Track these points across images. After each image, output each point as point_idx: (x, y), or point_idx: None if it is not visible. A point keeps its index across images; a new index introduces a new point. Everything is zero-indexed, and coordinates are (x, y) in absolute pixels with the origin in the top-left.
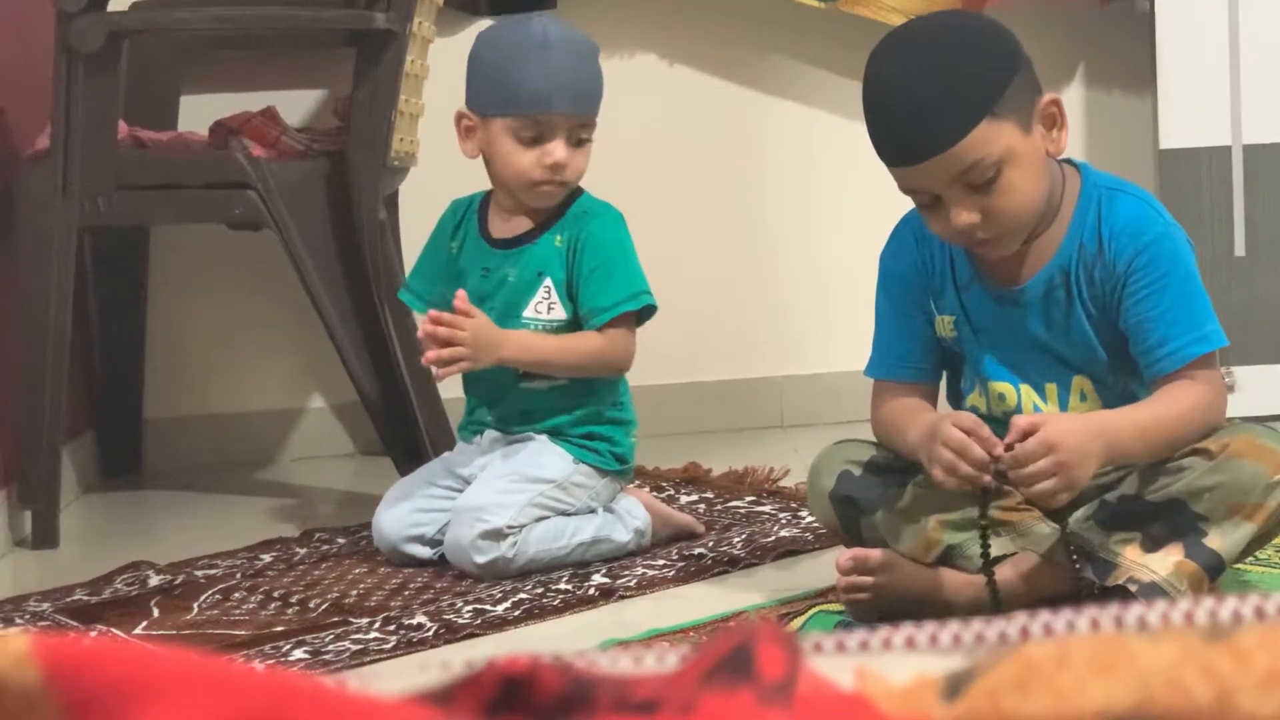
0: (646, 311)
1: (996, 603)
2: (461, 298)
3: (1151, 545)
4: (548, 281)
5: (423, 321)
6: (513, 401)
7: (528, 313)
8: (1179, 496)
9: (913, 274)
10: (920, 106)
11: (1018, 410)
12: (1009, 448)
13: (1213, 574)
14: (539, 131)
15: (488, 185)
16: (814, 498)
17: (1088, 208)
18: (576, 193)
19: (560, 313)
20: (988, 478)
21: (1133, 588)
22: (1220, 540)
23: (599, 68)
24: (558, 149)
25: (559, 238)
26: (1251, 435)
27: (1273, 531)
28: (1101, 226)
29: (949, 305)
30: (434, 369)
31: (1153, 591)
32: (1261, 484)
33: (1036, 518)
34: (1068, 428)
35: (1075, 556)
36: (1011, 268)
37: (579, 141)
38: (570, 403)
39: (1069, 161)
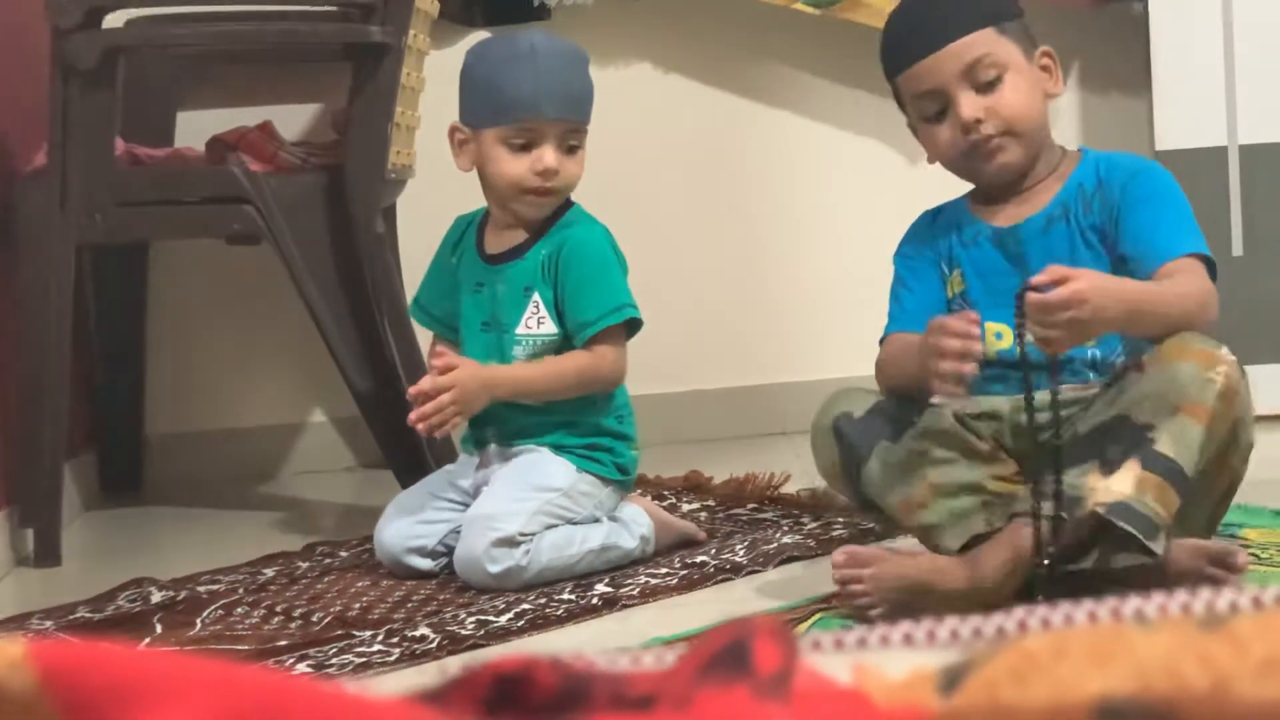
0: (634, 324)
1: (1043, 554)
2: (439, 354)
3: (1109, 469)
4: (535, 297)
5: (425, 376)
6: (513, 418)
7: (520, 329)
8: (1121, 412)
9: (928, 240)
10: (936, 6)
11: (1011, 350)
12: (1038, 289)
13: (1176, 483)
14: (530, 139)
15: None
16: (818, 435)
17: (1087, 165)
18: (566, 206)
19: (550, 326)
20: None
21: (1101, 510)
22: (1171, 444)
23: (588, 75)
24: (548, 154)
25: (544, 252)
26: (1179, 339)
27: (1225, 437)
28: (1100, 169)
29: (956, 259)
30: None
31: (1122, 511)
32: (1198, 380)
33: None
34: (1099, 285)
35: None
36: (1013, 211)
37: (570, 148)
38: (569, 417)
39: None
